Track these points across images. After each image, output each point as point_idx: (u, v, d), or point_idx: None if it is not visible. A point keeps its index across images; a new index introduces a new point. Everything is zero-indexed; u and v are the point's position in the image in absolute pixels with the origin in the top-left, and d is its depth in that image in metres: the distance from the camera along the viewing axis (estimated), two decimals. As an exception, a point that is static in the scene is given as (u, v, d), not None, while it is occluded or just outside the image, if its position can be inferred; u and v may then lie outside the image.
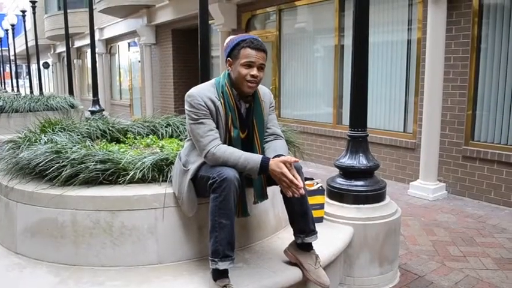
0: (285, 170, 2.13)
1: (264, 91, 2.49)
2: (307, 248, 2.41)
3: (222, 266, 2.13)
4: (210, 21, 6.52)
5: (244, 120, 2.36)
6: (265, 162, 2.16)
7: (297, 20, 7.92)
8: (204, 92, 2.30)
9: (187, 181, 2.30)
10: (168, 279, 2.31)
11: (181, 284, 2.27)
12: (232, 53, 2.29)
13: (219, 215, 2.12)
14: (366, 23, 3.05)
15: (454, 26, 5.16)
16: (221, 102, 2.29)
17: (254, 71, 2.25)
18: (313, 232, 2.39)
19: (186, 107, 2.30)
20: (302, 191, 2.15)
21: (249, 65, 2.25)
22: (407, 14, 5.92)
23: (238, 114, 2.33)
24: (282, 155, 2.23)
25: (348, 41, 6.64)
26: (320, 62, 7.45)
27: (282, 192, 2.32)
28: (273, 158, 2.19)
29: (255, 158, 2.17)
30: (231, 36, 2.37)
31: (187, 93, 2.31)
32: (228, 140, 2.31)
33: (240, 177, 2.16)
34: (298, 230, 2.40)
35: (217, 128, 2.29)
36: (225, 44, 2.39)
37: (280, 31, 8.12)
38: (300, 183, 2.14)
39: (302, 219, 2.37)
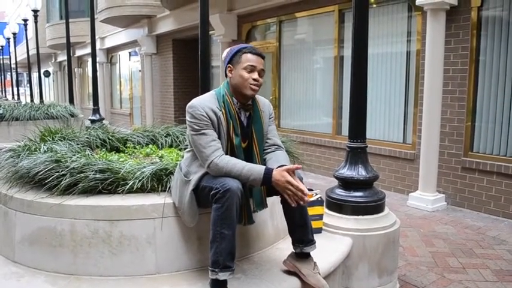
0: (290, 178, 2.14)
1: (264, 102, 2.51)
2: (306, 256, 2.42)
3: (222, 276, 2.13)
4: (210, 32, 6.57)
5: (245, 129, 2.37)
6: (268, 173, 2.16)
7: (297, 31, 7.97)
8: (205, 102, 2.31)
9: (189, 192, 2.30)
10: (166, 290, 2.30)
11: (179, 295, 2.26)
12: (233, 59, 2.35)
13: (220, 226, 2.13)
14: (366, 34, 3.07)
15: (453, 38, 5.20)
16: (222, 112, 2.31)
17: (256, 75, 2.31)
18: (311, 242, 2.41)
19: (188, 117, 2.31)
20: (307, 199, 2.16)
21: (251, 69, 2.30)
22: (406, 26, 5.96)
23: (239, 122, 2.35)
24: (285, 165, 2.24)
25: (348, 53, 6.68)
26: (320, 72, 7.49)
27: (282, 202, 2.33)
28: (276, 168, 2.20)
29: (258, 169, 2.18)
30: (229, 47, 2.44)
31: (189, 104, 2.33)
32: (230, 149, 2.32)
33: (243, 187, 2.17)
34: (297, 239, 2.41)
35: (219, 138, 2.30)
36: (224, 54, 2.45)
37: (280, 42, 8.17)
38: (305, 189, 2.14)
39: (301, 230, 2.38)
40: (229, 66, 2.37)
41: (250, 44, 2.42)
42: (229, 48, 2.43)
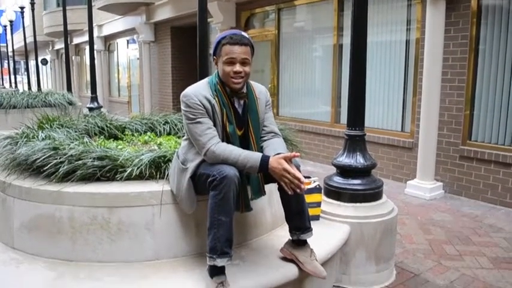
0: (287, 166, 2.14)
1: (260, 89, 2.49)
2: (302, 243, 2.43)
3: (220, 262, 2.14)
4: (208, 19, 6.53)
5: (240, 117, 2.36)
6: (265, 161, 2.16)
7: (296, 19, 7.92)
8: (199, 90, 2.30)
9: (186, 179, 2.31)
10: (164, 276, 2.32)
11: (178, 280, 2.28)
12: (216, 51, 2.33)
13: (218, 212, 2.13)
14: (365, 22, 3.06)
15: (452, 26, 5.17)
16: (216, 100, 2.30)
17: (236, 67, 2.26)
18: (308, 229, 2.42)
19: (182, 107, 2.30)
20: (304, 187, 2.16)
21: (230, 62, 2.26)
22: (406, 14, 5.93)
23: (233, 110, 2.34)
24: (282, 153, 2.24)
25: (347, 41, 6.65)
26: (319, 61, 7.46)
27: (279, 189, 2.33)
28: (273, 156, 2.20)
29: (255, 156, 2.18)
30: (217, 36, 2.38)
31: (183, 93, 2.31)
32: (226, 137, 2.32)
33: (240, 174, 2.17)
34: (294, 227, 2.42)
35: (215, 125, 2.29)
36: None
37: (279, 30, 8.12)
38: (302, 177, 2.15)
39: (298, 217, 2.39)
40: (214, 58, 2.36)
41: (233, 30, 2.34)
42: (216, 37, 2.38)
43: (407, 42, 5.91)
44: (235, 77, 2.26)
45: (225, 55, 2.26)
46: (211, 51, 2.45)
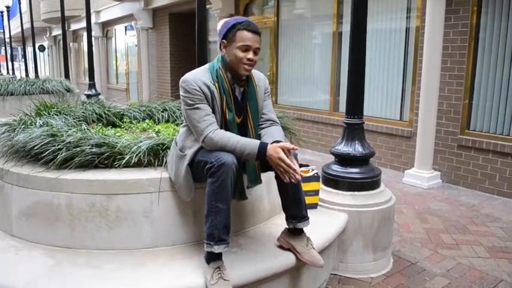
0: (283, 155, 2.13)
1: (259, 76, 2.47)
2: (299, 232, 2.44)
3: (217, 249, 2.15)
4: (207, 6, 6.47)
5: (239, 104, 2.35)
6: (263, 148, 2.16)
7: (296, 6, 7.86)
8: (198, 76, 2.28)
9: (184, 166, 2.30)
10: (163, 263, 2.33)
11: (176, 267, 2.29)
12: (228, 35, 2.27)
13: (215, 200, 2.13)
14: (365, 10, 3.03)
15: (453, 14, 5.13)
16: (216, 86, 2.28)
17: (250, 55, 2.24)
18: (305, 218, 2.42)
19: (181, 92, 2.29)
20: (299, 176, 2.15)
21: (246, 49, 2.23)
22: (406, 2, 5.88)
23: (233, 97, 2.32)
24: (280, 141, 2.23)
25: (346, 28, 6.60)
26: (318, 48, 7.41)
27: (276, 178, 2.33)
28: (271, 144, 2.19)
29: (253, 144, 2.18)
30: (225, 19, 2.33)
31: (182, 78, 2.30)
32: (224, 124, 2.31)
33: (237, 162, 2.17)
34: (290, 215, 2.42)
35: (213, 112, 2.28)
36: (219, 26, 2.34)
37: (279, 17, 8.05)
38: (297, 167, 2.14)
39: (295, 205, 2.39)
40: (223, 42, 2.30)
41: (246, 18, 2.31)
42: (224, 20, 2.32)
43: (407, 30, 5.87)
44: (248, 63, 2.25)
45: (240, 41, 2.23)
46: (211, 38, 2.41)
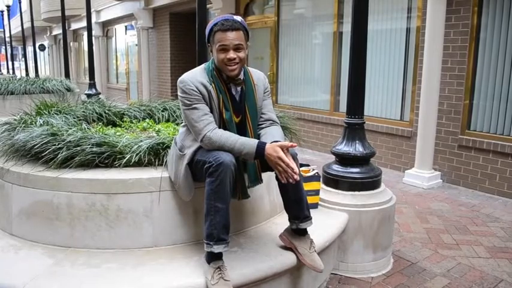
0: (282, 154, 2.12)
1: (259, 75, 2.46)
2: (302, 233, 2.43)
3: (217, 249, 2.15)
4: (208, 6, 6.47)
5: (237, 103, 2.34)
6: (261, 147, 2.15)
7: (296, 5, 7.85)
8: (195, 77, 2.28)
9: (183, 166, 2.30)
10: (163, 262, 2.33)
11: (176, 267, 2.28)
12: (209, 38, 2.29)
13: (214, 199, 2.13)
14: (365, 10, 3.03)
15: (453, 14, 5.13)
16: (213, 86, 2.28)
17: (230, 54, 2.21)
18: (307, 218, 2.40)
19: (179, 93, 2.29)
20: (297, 177, 2.14)
21: (223, 49, 2.22)
22: (406, 2, 5.88)
23: (230, 97, 2.32)
24: (279, 141, 2.22)
25: (347, 28, 6.60)
26: (318, 48, 7.41)
27: (277, 178, 2.32)
28: (270, 143, 2.19)
29: (251, 143, 2.17)
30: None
31: (179, 79, 2.29)
32: (222, 124, 2.30)
33: (236, 161, 2.17)
34: (292, 216, 2.41)
35: (211, 112, 2.28)
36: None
37: (279, 17, 8.05)
38: (296, 167, 2.14)
39: (297, 206, 2.38)
40: (208, 45, 2.33)
41: (225, 16, 2.26)
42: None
43: (408, 30, 5.87)
44: (230, 64, 2.23)
45: (217, 42, 2.22)
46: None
